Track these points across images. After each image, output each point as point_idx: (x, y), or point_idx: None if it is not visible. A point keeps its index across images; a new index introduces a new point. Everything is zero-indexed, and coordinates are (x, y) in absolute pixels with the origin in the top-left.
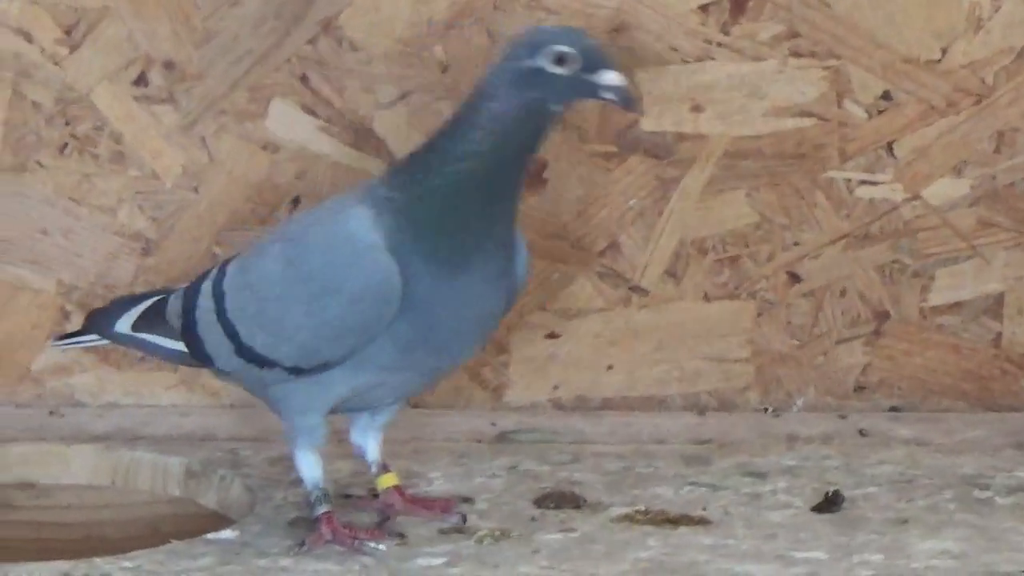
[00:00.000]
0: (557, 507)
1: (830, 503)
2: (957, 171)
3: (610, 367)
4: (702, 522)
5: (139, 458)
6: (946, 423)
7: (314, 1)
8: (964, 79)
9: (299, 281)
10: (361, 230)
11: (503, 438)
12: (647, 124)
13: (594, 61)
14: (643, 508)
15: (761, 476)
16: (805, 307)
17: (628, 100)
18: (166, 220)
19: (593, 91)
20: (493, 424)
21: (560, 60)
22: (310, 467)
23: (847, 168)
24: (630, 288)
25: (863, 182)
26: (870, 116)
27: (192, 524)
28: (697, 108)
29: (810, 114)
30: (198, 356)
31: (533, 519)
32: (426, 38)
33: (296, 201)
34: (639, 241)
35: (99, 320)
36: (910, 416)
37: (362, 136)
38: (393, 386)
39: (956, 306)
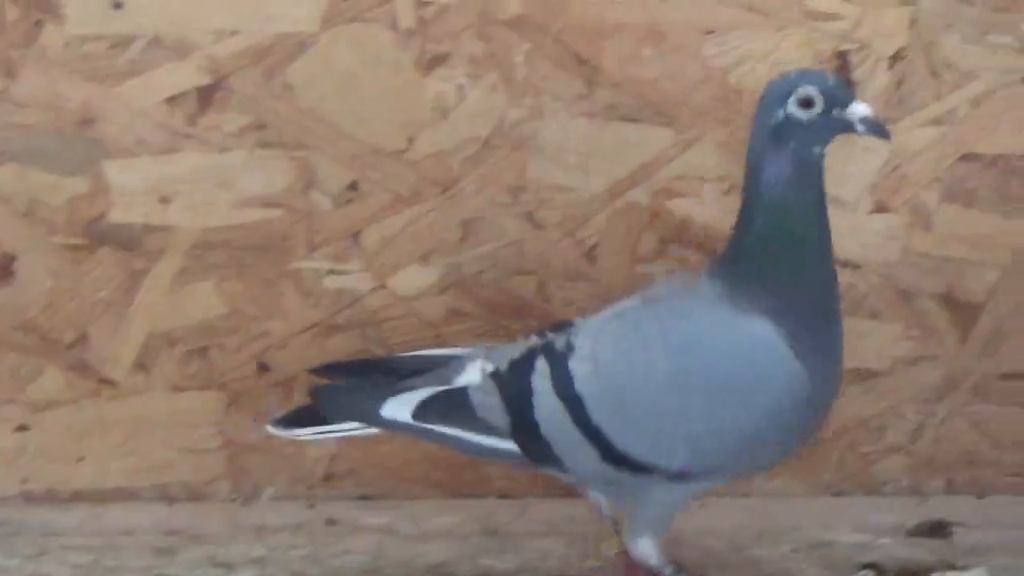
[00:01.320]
0: None
1: None
2: (424, 260)
3: (81, 459)
4: None
5: None
6: (415, 510)
7: None
8: (430, 168)
9: (707, 394)
10: (773, 342)
11: None
12: (115, 216)
13: (839, 97)
14: None
15: (229, 567)
16: (275, 397)
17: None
18: None
19: (847, 126)
20: None
21: (807, 103)
22: (656, 551)
23: (315, 258)
24: (100, 380)
25: (331, 271)
26: (337, 206)
27: None
28: (165, 200)
29: (277, 204)
30: (538, 457)
31: None
32: None
33: None
34: (109, 333)
35: (350, 405)
36: (380, 504)
37: None
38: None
39: None
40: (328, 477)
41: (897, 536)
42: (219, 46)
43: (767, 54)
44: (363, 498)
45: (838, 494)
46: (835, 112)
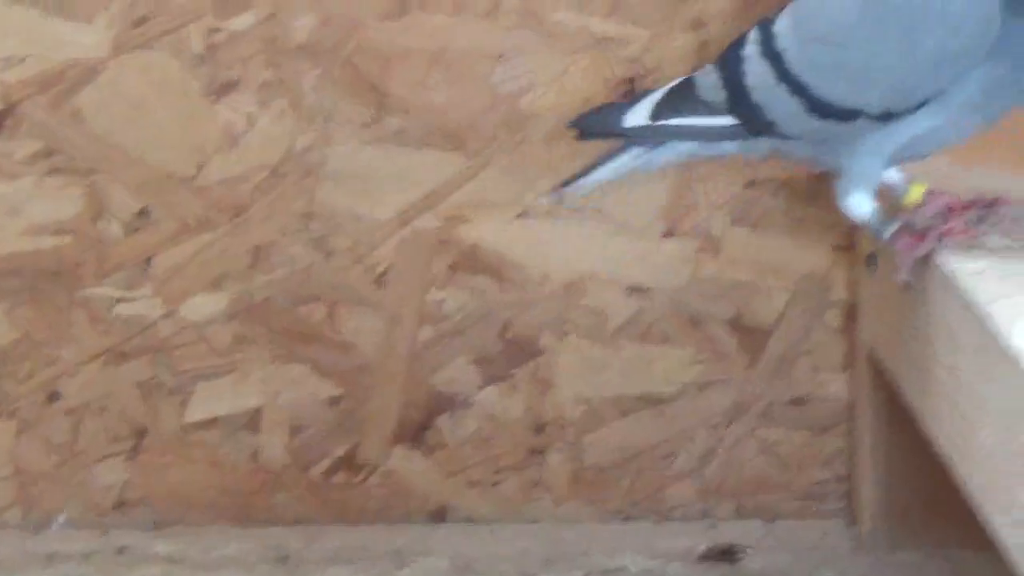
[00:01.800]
0: None
1: None
2: (215, 286)
3: None
4: None
5: None
6: (205, 539)
7: None
8: (220, 196)
9: (887, 18)
10: None
11: None
12: None
13: None
14: None
15: None
16: (65, 425)
17: None
18: None
19: None
20: None
21: None
22: (862, 204)
23: (105, 285)
24: None
25: (121, 299)
26: (127, 233)
27: None
28: None
29: (68, 231)
30: (754, 126)
31: None
32: None
33: None
34: None
35: (605, 124)
36: (170, 532)
37: None
38: (956, 130)
39: (214, 421)
40: (120, 504)
41: (687, 561)
42: (8, 72)
43: (556, 78)
44: (154, 525)
45: (627, 519)
46: None
